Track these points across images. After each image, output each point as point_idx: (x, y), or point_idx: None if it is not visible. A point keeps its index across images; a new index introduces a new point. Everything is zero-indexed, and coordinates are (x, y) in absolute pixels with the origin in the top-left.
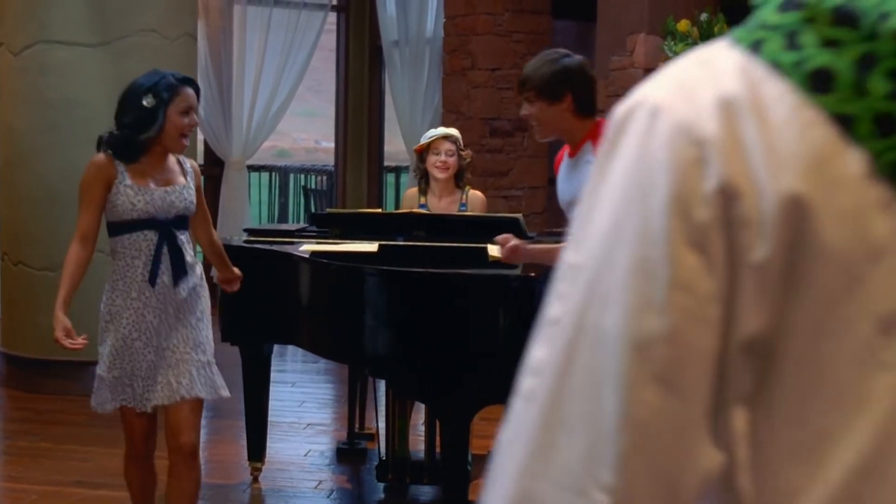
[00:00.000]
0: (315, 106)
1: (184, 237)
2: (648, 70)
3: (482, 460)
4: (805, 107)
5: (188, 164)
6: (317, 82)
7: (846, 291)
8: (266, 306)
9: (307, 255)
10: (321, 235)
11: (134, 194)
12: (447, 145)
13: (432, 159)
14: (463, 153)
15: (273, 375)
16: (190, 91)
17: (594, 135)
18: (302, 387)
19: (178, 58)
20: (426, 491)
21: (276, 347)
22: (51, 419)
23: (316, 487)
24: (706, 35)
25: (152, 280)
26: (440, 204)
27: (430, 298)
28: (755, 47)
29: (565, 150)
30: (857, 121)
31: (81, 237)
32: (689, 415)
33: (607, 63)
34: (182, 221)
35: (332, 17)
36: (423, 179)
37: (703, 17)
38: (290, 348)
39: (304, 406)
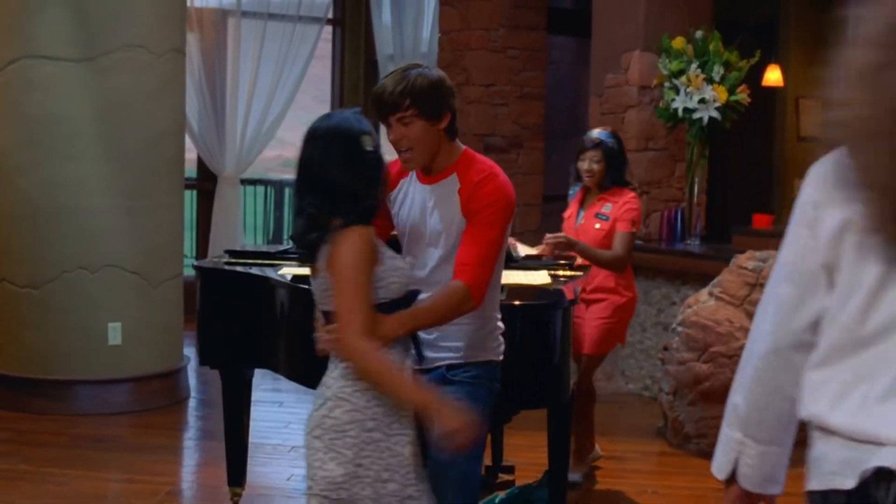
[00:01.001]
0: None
1: None
2: (643, 87)
3: None
4: None
5: None
6: (322, 92)
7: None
8: (245, 331)
9: (284, 279)
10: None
11: (403, 264)
12: None
13: None
14: None
15: (262, 395)
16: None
17: (463, 166)
18: (290, 407)
19: (165, 74)
20: None
21: None
22: (32, 440)
23: None
24: (701, 52)
25: (421, 359)
26: None
27: None
28: None
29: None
30: None
31: (371, 333)
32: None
33: (602, 80)
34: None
35: (328, 31)
36: None
37: (699, 34)
38: None
39: (291, 427)
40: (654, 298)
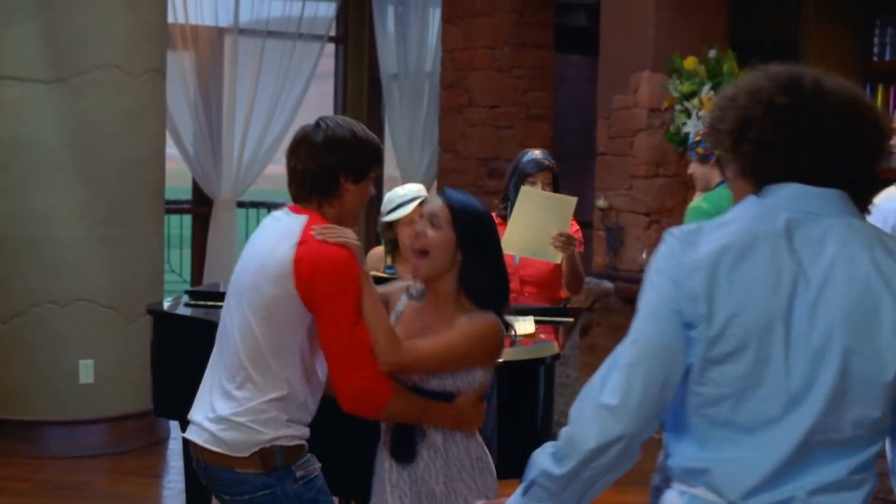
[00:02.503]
0: None
1: None
2: (653, 110)
3: None
4: None
5: None
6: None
7: None
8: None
9: None
10: None
11: None
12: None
13: (406, 230)
14: None
15: None
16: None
17: None
18: None
19: (142, 95)
20: None
21: None
22: None
23: None
24: (714, 73)
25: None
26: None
27: None
28: None
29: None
30: None
31: None
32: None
33: (610, 101)
34: None
35: (330, 49)
36: (392, 244)
37: (712, 53)
38: None
39: None
40: None
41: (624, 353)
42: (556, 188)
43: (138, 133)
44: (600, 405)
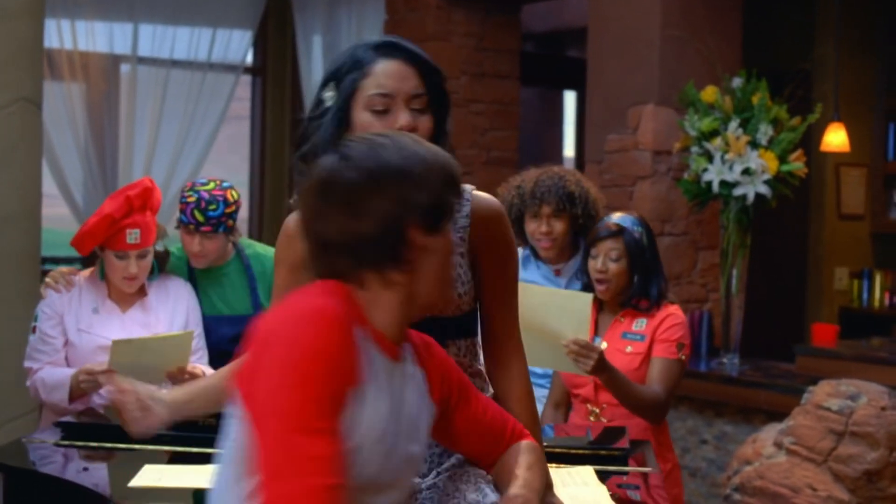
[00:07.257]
0: None
1: None
2: (659, 152)
3: None
4: None
5: None
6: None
7: None
8: None
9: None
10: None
11: None
12: None
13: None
14: None
15: None
16: None
17: None
18: None
19: (9, 133)
20: None
21: None
22: None
23: None
24: (741, 106)
25: None
26: None
27: None
28: None
29: None
30: None
31: None
32: None
33: (602, 142)
34: None
35: (246, 81)
36: None
37: (737, 82)
38: None
39: None
40: (675, 433)
41: None
42: (634, 266)
43: (3, 181)
44: None
